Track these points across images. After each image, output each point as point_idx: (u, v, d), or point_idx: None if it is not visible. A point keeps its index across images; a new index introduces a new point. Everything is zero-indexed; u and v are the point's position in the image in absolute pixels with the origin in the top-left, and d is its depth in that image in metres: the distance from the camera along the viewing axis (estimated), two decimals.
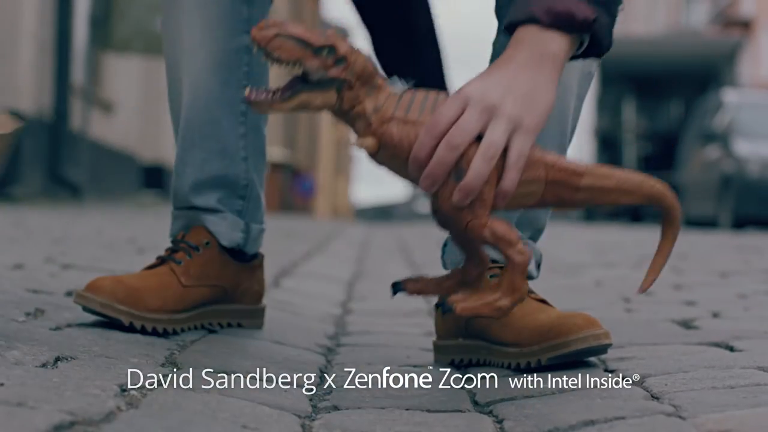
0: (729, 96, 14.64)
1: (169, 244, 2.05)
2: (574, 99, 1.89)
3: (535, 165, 1.51)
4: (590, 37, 1.58)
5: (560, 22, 1.53)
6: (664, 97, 20.60)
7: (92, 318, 1.88)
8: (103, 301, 1.85)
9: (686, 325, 2.35)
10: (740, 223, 12.39)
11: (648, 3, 47.63)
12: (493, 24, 1.89)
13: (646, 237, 8.33)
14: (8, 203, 9.07)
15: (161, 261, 1.99)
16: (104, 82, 14.37)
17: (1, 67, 10.27)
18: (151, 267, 1.98)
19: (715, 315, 2.54)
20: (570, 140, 1.93)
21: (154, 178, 16.56)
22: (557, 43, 1.54)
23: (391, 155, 1.51)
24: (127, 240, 4.77)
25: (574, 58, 1.60)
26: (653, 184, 1.57)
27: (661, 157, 19.50)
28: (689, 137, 15.68)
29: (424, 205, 35.32)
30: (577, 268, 4.44)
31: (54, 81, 11.29)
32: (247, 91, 1.50)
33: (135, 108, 15.60)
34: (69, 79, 11.51)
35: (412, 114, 1.50)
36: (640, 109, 20.47)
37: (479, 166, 1.47)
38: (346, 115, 1.51)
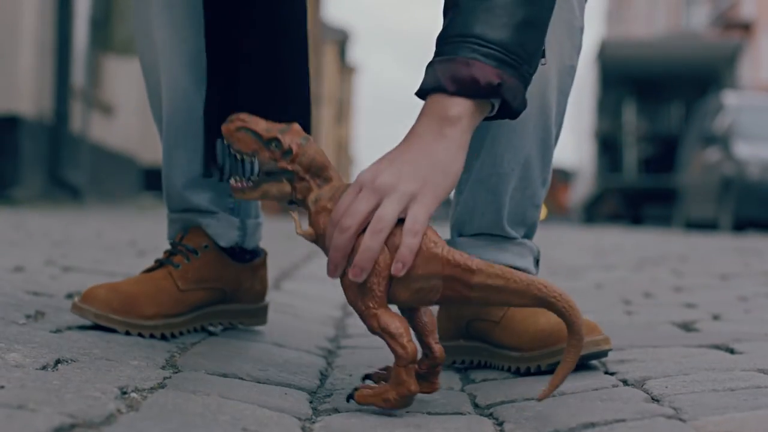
0: (729, 98, 14.64)
1: (168, 247, 2.05)
2: (556, 93, 1.87)
3: (433, 259, 1.48)
4: (501, 100, 1.56)
5: (464, 89, 1.53)
6: (664, 99, 20.61)
7: None
8: (97, 312, 1.85)
9: (686, 327, 2.35)
10: (740, 225, 12.39)
11: (648, 5, 47.66)
12: None
13: (646, 239, 8.34)
14: (8, 205, 9.07)
15: (159, 264, 1.98)
16: (104, 84, 14.37)
17: (1, 69, 10.27)
18: (149, 270, 1.98)
19: (716, 317, 2.54)
20: (556, 137, 1.91)
21: (154, 180, 16.54)
22: (460, 106, 1.53)
23: (323, 243, 1.54)
24: (128, 242, 4.77)
25: (489, 119, 1.59)
26: (542, 287, 1.47)
27: (661, 159, 19.52)
28: (690, 139, 15.68)
29: None
30: (577, 270, 4.44)
31: (54, 83, 11.28)
32: (232, 180, 1.57)
33: (135, 110, 15.60)
34: (69, 81, 11.51)
35: (333, 204, 1.52)
36: (640, 111, 20.48)
37: (368, 241, 1.46)
38: (303, 204, 1.55)
